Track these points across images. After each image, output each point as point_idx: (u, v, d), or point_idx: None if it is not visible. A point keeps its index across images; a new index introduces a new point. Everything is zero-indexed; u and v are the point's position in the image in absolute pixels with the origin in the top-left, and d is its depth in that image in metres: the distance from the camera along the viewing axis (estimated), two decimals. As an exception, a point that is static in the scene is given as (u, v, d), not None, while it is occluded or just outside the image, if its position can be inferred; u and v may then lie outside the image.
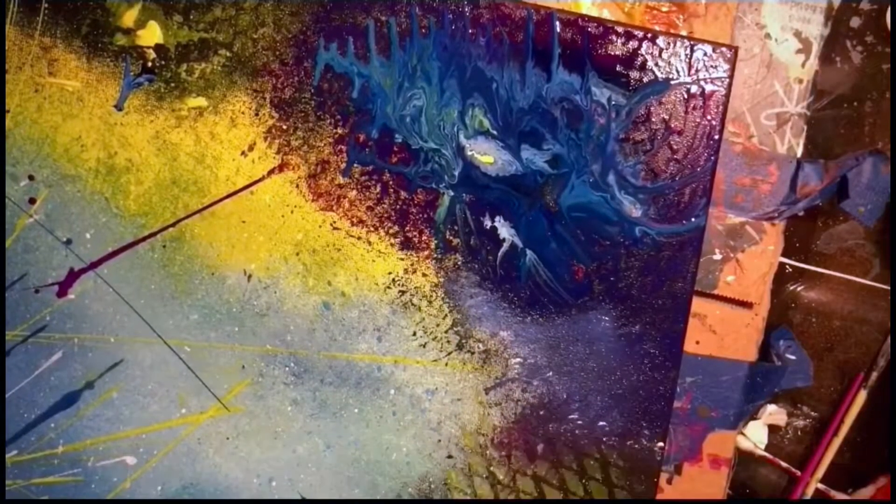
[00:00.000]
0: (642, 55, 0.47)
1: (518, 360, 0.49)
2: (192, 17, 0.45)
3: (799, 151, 0.52)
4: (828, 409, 0.55)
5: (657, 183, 0.48)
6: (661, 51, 0.47)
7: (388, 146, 0.47)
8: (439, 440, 0.49)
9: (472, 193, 0.47)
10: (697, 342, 0.52)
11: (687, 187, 0.47)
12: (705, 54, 0.47)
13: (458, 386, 0.49)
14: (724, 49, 0.47)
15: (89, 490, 0.46)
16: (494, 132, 0.47)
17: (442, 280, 0.48)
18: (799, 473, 0.55)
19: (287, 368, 0.48)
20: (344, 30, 0.46)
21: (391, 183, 0.47)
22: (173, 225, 0.46)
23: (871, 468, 0.55)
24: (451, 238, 0.48)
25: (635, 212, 0.48)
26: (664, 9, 0.50)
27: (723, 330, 0.52)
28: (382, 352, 0.48)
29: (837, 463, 0.55)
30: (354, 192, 0.47)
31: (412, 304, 0.48)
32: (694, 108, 0.47)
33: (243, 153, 0.46)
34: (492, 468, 0.49)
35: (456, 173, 0.47)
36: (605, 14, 0.50)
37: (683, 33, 0.49)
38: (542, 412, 0.49)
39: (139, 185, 0.46)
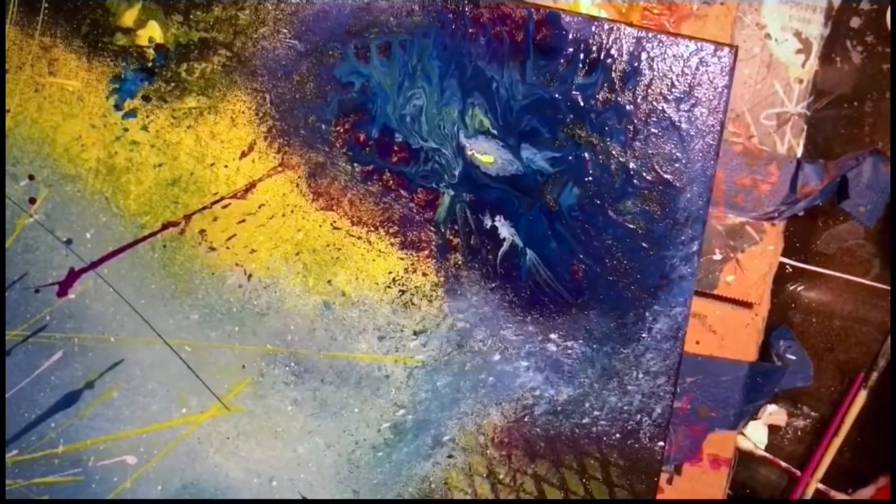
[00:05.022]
0: (643, 54, 0.47)
1: (519, 359, 0.49)
2: (192, 16, 0.45)
3: (799, 151, 0.52)
4: (828, 409, 0.55)
5: (658, 183, 0.48)
6: (661, 50, 0.47)
7: (389, 146, 0.47)
8: (440, 440, 0.49)
9: (472, 193, 0.47)
10: (697, 342, 0.52)
11: (687, 187, 0.48)
12: (705, 54, 0.47)
13: (459, 385, 0.49)
14: (724, 49, 0.47)
15: (90, 490, 0.46)
16: (495, 132, 0.47)
17: (442, 279, 0.48)
18: (799, 473, 0.55)
19: (287, 368, 0.48)
20: (345, 30, 0.46)
21: (391, 182, 0.47)
22: (174, 224, 0.46)
23: (871, 468, 0.55)
24: (451, 237, 0.48)
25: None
26: (655, 11, 0.50)
27: (723, 330, 0.52)
28: (383, 351, 0.48)
29: (837, 463, 0.55)
30: (355, 192, 0.47)
31: (412, 304, 0.48)
32: (694, 108, 0.47)
33: (243, 153, 0.46)
34: (492, 467, 0.49)
35: (456, 173, 0.47)
36: (603, 14, 0.50)
37: (684, 33, 0.49)
38: (542, 411, 0.49)
39: (139, 184, 0.46)
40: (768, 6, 0.50)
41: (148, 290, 0.47)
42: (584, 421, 0.49)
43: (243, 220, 0.47)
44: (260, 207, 0.47)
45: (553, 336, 0.48)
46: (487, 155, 0.47)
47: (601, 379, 0.49)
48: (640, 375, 0.49)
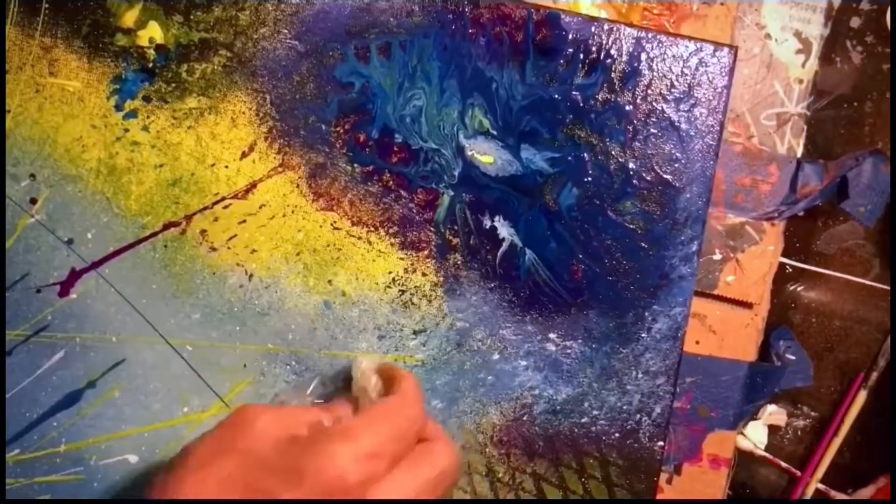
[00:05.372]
0: (642, 55, 0.47)
1: (518, 358, 0.49)
2: (192, 17, 0.45)
3: (799, 151, 0.52)
4: (828, 409, 0.55)
5: (657, 183, 0.48)
6: (661, 51, 0.47)
7: (389, 146, 0.47)
8: (439, 439, 0.49)
9: (471, 193, 0.48)
10: (697, 342, 0.52)
11: (687, 187, 0.48)
12: (705, 54, 0.47)
13: (458, 384, 0.49)
14: (724, 49, 0.47)
15: (91, 489, 0.47)
16: (494, 132, 0.47)
17: (441, 279, 0.48)
18: (799, 473, 0.55)
19: (288, 367, 0.48)
20: (345, 31, 0.46)
21: (391, 183, 0.47)
22: (175, 224, 0.47)
23: (871, 468, 0.55)
24: (450, 238, 0.48)
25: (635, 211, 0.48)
26: (655, 11, 0.50)
27: (723, 330, 0.52)
28: (382, 350, 0.48)
29: (837, 463, 0.55)
30: (355, 192, 0.47)
31: (412, 304, 0.48)
32: (694, 108, 0.47)
33: (244, 153, 0.47)
34: (491, 466, 0.49)
35: (456, 173, 0.47)
36: (603, 15, 0.50)
37: (684, 33, 0.49)
38: (541, 410, 0.49)
39: (140, 185, 0.46)
40: (768, 6, 0.50)
41: (149, 289, 0.47)
42: (583, 420, 0.49)
43: (244, 221, 0.47)
44: (260, 208, 0.47)
45: (552, 336, 0.49)
46: (487, 155, 0.47)
47: (600, 378, 0.49)
48: (640, 375, 0.49)
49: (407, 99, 0.47)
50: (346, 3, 0.46)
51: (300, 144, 0.47)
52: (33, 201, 0.46)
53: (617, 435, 0.49)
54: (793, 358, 0.53)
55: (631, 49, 0.46)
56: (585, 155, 0.47)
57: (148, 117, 0.46)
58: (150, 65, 0.46)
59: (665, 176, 0.47)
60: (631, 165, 0.47)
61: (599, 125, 0.47)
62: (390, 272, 0.48)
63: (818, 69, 0.51)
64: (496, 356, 0.49)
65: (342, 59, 0.46)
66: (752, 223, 0.51)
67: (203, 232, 0.47)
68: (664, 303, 0.48)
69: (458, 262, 0.48)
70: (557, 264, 0.48)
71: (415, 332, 0.48)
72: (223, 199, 0.47)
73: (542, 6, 0.47)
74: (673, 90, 0.47)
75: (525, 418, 0.49)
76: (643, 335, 0.48)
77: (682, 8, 0.50)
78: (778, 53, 0.51)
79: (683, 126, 0.47)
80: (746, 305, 0.52)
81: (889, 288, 0.53)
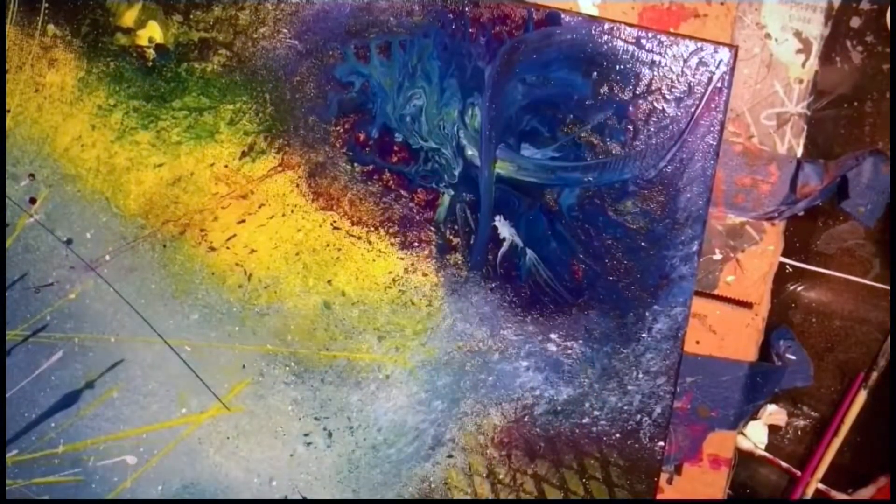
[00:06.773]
0: (643, 55, 0.47)
1: (519, 359, 0.49)
2: (192, 16, 0.45)
3: (799, 151, 0.52)
4: (828, 409, 0.55)
5: (657, 183, 0.48)
6: (661, 50, 0.47)
7: (389, 146, 0.47)
8: (440, 439, 0.49)
9: (472, 193, 0.47)
10: (697, 342, 0.52)
11: (687, 187, 0.48)
12: (705, 54, 0.47)
13: (459, 385, 0.49)
14: (724, 49, 0.47)
15: (90, 489, 0.46)
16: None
17: (442, 279, 0.48)
18: (799, 473, 0.55)
19: (287, 368, 0.48)
20: (345, 30, 0.46)
21: (391, 182, 0.47)
22: (174, 224, 0.46)
23: (871, 468, 0.55)
24: (451, 237, 0.48)
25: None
26: (655, 10, 0.50)
27: (723, 330, 0.52)
28: (382, 351, 0.48)
29: (837, 463, 0.55)
30: (355, 192, 0.47)
31: (412, 304, 0.48)
32: (694, 108, 0.47)
33: (243, 153, 0.46)
34: (492, 467, 0.49)
35: (456, 173, 0.47)
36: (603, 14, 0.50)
37: (684, 33, 0.49)
38: (542, 411, 0.49)
39: (139, 184, 0.46)
40: (768, 6, 0.50)
41: (148, 289, 0.47)
42: (584, 421, 0.49)
43: (243, 220, 0.47)
44: (260, 207, 0.47)
45: (553, 336, 0.48)
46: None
47: (601, 379, 0.49)
48: (640, 375, 0.49)
49: (407, 98, 0.47)
50: (346, 2, 0.46)
51: (300, 144, 0.47)
52: (32, 201, 0.46)
53: (618, 435, 0.49)
54: (793, 358, 0.53)
55: (631, 49, 0.46)
56: (586, 155, 0.47)
57: (148, 116, 0.46)
58: (150, 64, 0.46)
59: (665, 176, 0.47)
60: (631, 165, 0.47)
61: (600, 125, 0.47)
62: (390, 272, 0.48)
63: (818, 69, 0.51)
64: (497, 357, 0.49)
65: (342, 59, 0.46)
66: (753, 223, 0.51)
67: (202, 231, 0.47)
68: (664, 303, 0.48)
69: (459, 262, 0.48)
70: (558, 264, 0.48)
71: (415, 333, 0.48)
72: (222, 198, 0.47)
73: (542, 6, 0.46)
74: (673, 90, 0.47)
75: (526, 419, 0.49)
76: (644, 335, 0.48)
77: (682, 8, 0.50)
78: (778, 53, 0.51)
79: (684, 126, 0.47)
80: (746, 305, 0.52)
81: (889, 288, 0.53)
